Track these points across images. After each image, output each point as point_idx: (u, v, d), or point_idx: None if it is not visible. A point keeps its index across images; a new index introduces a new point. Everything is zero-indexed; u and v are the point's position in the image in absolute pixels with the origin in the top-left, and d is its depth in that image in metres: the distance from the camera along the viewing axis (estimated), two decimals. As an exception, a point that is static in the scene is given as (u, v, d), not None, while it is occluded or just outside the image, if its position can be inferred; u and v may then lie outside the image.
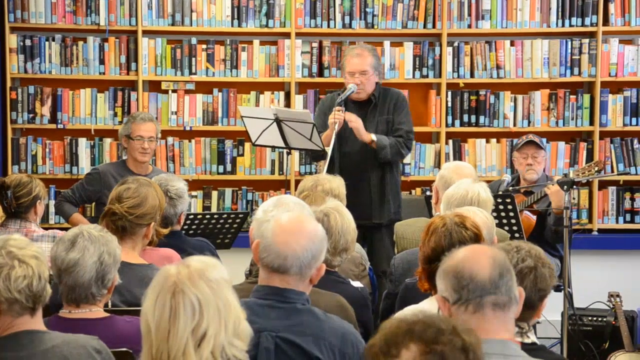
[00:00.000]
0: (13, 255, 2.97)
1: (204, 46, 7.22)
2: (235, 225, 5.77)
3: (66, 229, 4.23)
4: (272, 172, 7.29)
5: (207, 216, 5.74)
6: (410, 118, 6.42)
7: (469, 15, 7.24)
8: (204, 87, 7.27)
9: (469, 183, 4.59)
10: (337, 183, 5.00)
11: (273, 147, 6.86)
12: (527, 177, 6.51)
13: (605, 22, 7.26)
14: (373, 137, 6.24)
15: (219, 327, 2.43)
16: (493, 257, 2.66)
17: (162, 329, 2.43)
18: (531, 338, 3.01)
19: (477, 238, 3.55)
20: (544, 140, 7.24)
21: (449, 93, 7.26)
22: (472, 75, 7.26)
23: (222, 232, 5.75)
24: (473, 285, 2.61)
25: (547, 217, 6.39)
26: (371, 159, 6.27)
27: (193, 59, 7.21)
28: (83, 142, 7.22)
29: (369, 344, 2.05)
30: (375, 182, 6.30)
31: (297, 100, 7.25)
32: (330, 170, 6.26)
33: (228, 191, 7.32)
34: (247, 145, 7.22)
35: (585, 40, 7.25)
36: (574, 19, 7.25)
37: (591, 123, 7.29)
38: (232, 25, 7.22)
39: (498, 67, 7.25)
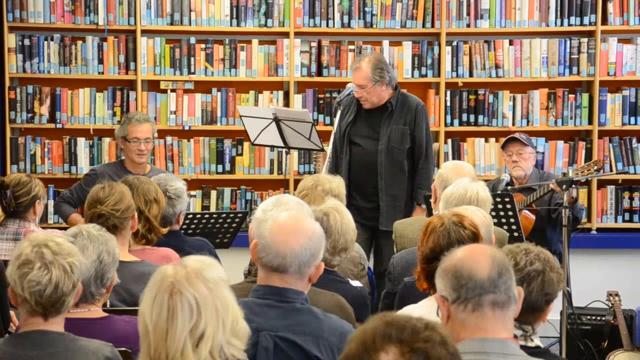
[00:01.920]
0: (41, 257, 2.98)
1: (203, 46, 7.22)
2: (234, 225, 5.77)
3: (65, 229, 4.23)
4: (271, 172, 7.29)
5: (206, 216, 5.74)
6: (429, 131, 6.46)
7: (468, 14, 7.24)
8: (203, 87, 7.27)
9: (467, 182, 4.59)
10: (337, 183, 5.00)
11: (272, 147, 6.86)
12: (514, 174, 6.54)
13: (604, 21, 7.26)
14: (423, 206, 6.26)
15: (217, 327, 2.43)
16: (492, 257, 2.66)
17: (160, 330, 2.43)
18: (535, 342, 3.00)
19: (475, 237, 3.55)
20: (542, 139, 7.26)
21: (448, 92, 7.26)
22: (470, 75, 7.26)
23: (221, 231, 5.75)
24: (472, 284, 2.61)
25: (556, 213, 6.36)
26: (380, 165, 6.26)
27: (192, 58, 7.21)
28: (82, 142, 7.22)
29: (343, 355, 2.02)
30: (384, 188, 6.29)
31: (296, 99, 7.25)
32: (339, 174, 6.28)
33: (227, 191, 7.32)
34: (246, 144, 7.22)
35: (584, 40, 7.25)
36: (572, 18, 7.25)
37: (590, 122, 7.29)
38: (231, 25, 7.22)
39: (497, 67, 7.25)
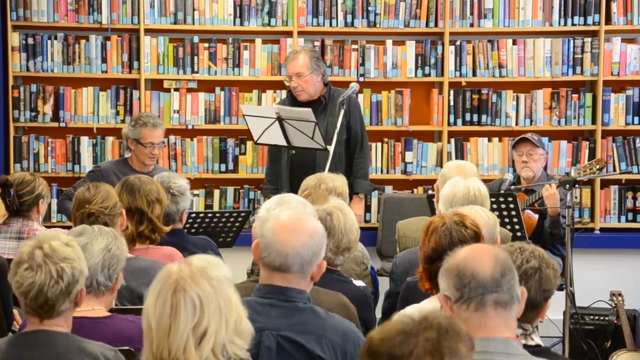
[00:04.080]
0: (32, 258, 2.96)
1: (206, 45, 7.22)
2: (237, 224, 5.77)
3: (69, 227, 4.24)
4: (274, 171, 7.28)
5: (209, 215, 5.74)
6: (363, 121, 6.69)
7: (471, 14, 7.23)
8: (206, 86, 7.27)
9: (464, 180, 4.58)
10: (341, 182, 4.99)
11: (275, 146, 6.85)
12: (522, 174, 6.53)
13: (608, 21, 7.26)
14: (360, 195, 6.56)
15: (220, 325, 2.44)
16: (495, 256, 2.67)
17: (162, 327, 2.44)
18: (535, 340, 3.00)
19: (477, 236, 3.55)
20: (546, 139, 7.25)
21: (451, 92, 7.26)
22: (474, 74, 7.26)
23: (224, 230, 5.75)
24: (475, 283, 2.61)
25: (544, 219, 6.40)
26: (319, 157, 6.32)
27: (195, 57, 7.21)
28: (85, 141, 7.22)
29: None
30: None
31: (299, 98, 7.24)
32: (279, 168, 6.55)
33: (230, 190, 7.32)
34: (249, 143, 7.22)
35: (588, 39, 7.24)
36: (576, 18, 7.24)
37: (593, 122, 7.28)
38: (235, 24, 7.22)
39: (500, 66, 7.24)
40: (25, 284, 2.95)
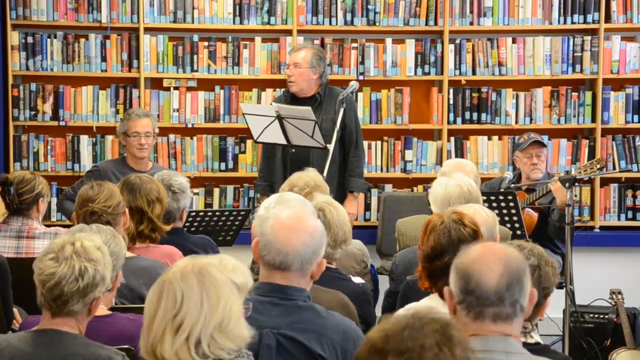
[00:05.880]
0: (62, 250, 3.00)
1: (206, 43, 7.22)
2: (237, 223, 5.77)
3: (69, 226, 4.25)
4: (274, 170, 7.28)
5: (209, 213, 5.74)
6: (358, 120, 6.71)
7: (471, 12, 7.23)
8: (206, 85, 7.27)
9: (452, 180, 4.57)
10: (310, 176, 4.96)
11: (275, 145, 6.86)
12: (533, 176, 6.50)
13: (607, 19, 7.26)
14: (355, 194, 6.58)
15: (197, 319, 2.48)
16: (506, 264, 2.58)
17: (150, 313, 2.52)
18: (535, 338, 3.00)
19: (475, 235, 3.54)
20: (546, 137, 7.25)
21: (451, 90, 7.26)
22: (474, 73, 7.26)
23: (223, 229, 5.75)
24: (478, 292, 2.54)
25: (550, 213, 6.39)
26: (312, 155, 6.33)
27: (195, 56, 7.21)
28: (85, 140, 7.22)
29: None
30: None
31: (299, 97, 7.24)
32: (272, 165, 6.57)
33: (230, 188, 7.32)
34: (249, 142, 7.22)
35: (587, 38, 7.24)
36: (575, 16, 7.24)
37: (593, 120, 7.29)
38: (234, 23, 7.22)
39: (500, 64, 7.24)
40: (45, 273, 2.99)
